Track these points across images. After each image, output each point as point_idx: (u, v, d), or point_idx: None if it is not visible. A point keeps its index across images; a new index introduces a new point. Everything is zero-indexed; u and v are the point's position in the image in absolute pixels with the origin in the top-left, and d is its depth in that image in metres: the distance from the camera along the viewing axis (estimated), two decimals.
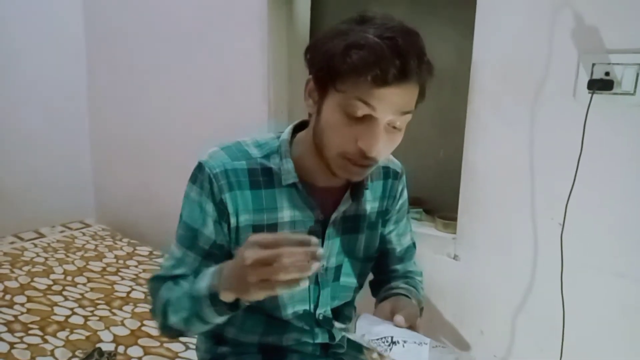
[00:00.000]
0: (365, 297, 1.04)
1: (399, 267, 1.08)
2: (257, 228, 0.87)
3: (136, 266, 1.92)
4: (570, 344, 1.19)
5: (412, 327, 0.78)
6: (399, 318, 0.77)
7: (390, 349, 0.71)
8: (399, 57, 0.71)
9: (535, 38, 1.17)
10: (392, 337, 0.73)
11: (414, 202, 1.66)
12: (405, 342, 0.72)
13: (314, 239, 0.62)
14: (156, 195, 2.37)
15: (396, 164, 1.03)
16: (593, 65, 1.09)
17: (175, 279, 0.86)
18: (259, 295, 0.65)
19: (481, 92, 1.28)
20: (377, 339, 0.72)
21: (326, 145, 0.80)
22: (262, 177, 0.87)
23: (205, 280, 0.75)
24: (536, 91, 1.18)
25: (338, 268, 0.95)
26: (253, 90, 1.81)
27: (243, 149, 0.88)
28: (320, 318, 0.97)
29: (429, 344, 0.73)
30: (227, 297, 0.72)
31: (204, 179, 0.85)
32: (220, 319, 0.77)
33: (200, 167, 0.86)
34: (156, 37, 2.18)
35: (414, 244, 1.10)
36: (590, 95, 1.07)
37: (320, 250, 0.62)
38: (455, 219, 1.42)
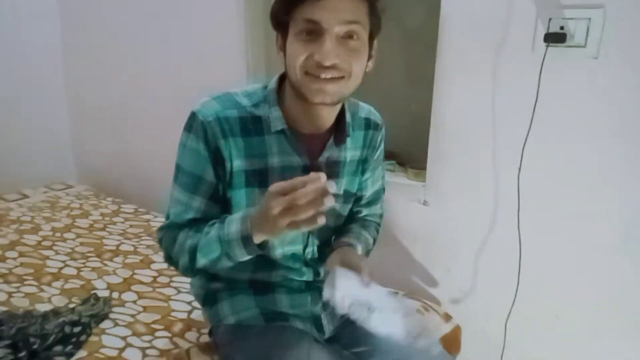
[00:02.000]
0: None
1: (363, 209, 1.18)
2: (249, 173, 0.94)
3: (123, 222, 1.98)
4: (526, 279, 1.32)
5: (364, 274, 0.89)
6: (366, 280, 0.89)
7: (369, 316, 0.80)
8: None
9: None
10: (370, 305, 0.83)
11: (387, 155, 1.76)
12: (381, 310, 0.82)
13: (323, 175, 0.71)
14: (137, 155, 2.41)
15: (377, 116, 1.11)
16: (549, 19, 1.17)
17: (190, 224, 0.94)
18: (289, 233, 0.76)
19: (449, 46, 1.35)
20: (357, 304, 0.82)
21: (292, 72, 0.87)
22: (252, 125, 0.93)
23: (234, 226, 0.84)
24: (498, 44, 1.26)
25: None
26: (230, 52, 1.84)
27: (233, 98, 0.95)
28: (309, 257, 1.06)
29: (400, 313, 0.83)
30: (258, 239, 0.81)
31: (198, 126, 0.91)
32: (247, 257, 0.86)
33: (193, 116, 0.92)
34: (131, 1, 2.17)
35: (383, 189, 1.20)
36: (546, 47, 1.16)
37: (333, 187, 0.70)
38: (425, 168, 1.52)
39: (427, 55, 1.44)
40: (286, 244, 1.03)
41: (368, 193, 1.16)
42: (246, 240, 0.82)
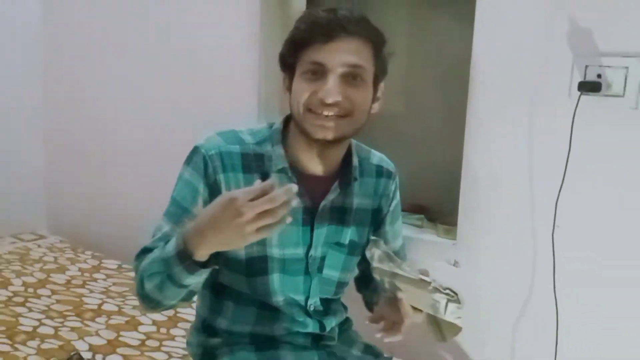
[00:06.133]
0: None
1: None
2: None
3: (105, 279, 2.20)
4: (564, 347, 1.51)
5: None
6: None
7: None
8: (335, 19, 1.06)
9: (532, 39, 1.51)
10: None
11: (415, 209, 2.00)
12: None
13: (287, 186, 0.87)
14: (117, 203, 2.67)
15: (389, 164, 1.34)
16: (586, 67, 1.43)
17: None
18: (253, 239, 0.90)
19: (481, 90, 1.61)
20: None
21: (295, 109, 1.11)
22: (255, 162, 1.17)
23: (172, 242, 1.00)
24: (533, 91, 1.51)
25: (322, 259, 1.23)
26: (240, 86, 2.13)
27: (237, 135, 1.19)
28: (312, 309, 1.26)
29: None
30: (204, 252, 0.96)
31: (199, 160, 1.14)
32: (191, 279, 1.00)
33: (195, 149, 1.16)
34: (124, 25, 2.52)
35: (404, 243, 1.42)
36: (579, 96, 1.41)
37: (295, 188, 0.87)
38: (456, 224, 1.75)
39: (463, 97, 1.70)
40: (287, 289, 1.22)
41: (393, 250, 1.37)
42: (182, 255, 0.97)
